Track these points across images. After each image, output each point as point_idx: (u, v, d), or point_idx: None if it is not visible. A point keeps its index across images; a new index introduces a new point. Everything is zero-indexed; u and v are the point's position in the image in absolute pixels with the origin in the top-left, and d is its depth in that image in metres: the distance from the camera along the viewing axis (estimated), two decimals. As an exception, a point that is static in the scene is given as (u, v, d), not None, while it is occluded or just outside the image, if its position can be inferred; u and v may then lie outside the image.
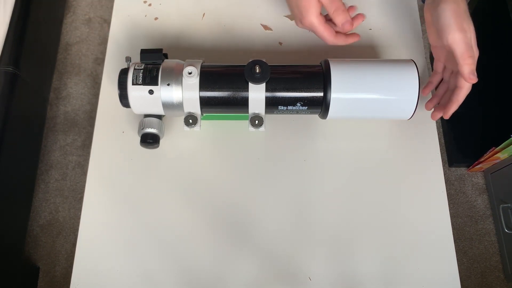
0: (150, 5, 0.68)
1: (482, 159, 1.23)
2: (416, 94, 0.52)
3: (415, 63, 0.53)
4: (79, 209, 1.27)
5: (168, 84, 0.52)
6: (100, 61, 1.48)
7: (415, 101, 0.52)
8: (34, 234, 1.27)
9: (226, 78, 0.53)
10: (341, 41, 0.57)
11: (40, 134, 1.34)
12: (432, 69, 0.59)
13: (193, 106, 0.53)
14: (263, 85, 0.52)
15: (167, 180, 0.58)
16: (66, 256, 1.25)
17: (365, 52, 0.64)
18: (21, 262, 1.16)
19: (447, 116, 0.55)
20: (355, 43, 0.66)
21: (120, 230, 0.55)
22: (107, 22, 1.53)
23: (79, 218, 0.56)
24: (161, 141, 0.57)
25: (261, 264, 0.54)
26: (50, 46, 1.43)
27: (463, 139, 1.32)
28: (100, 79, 1.11)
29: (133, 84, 0.52)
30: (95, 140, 0.60)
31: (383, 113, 0.54)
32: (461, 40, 0.49)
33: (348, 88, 0.51)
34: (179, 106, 0.53)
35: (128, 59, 0.54)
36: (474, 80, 0.50)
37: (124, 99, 0.53)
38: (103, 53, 1.48)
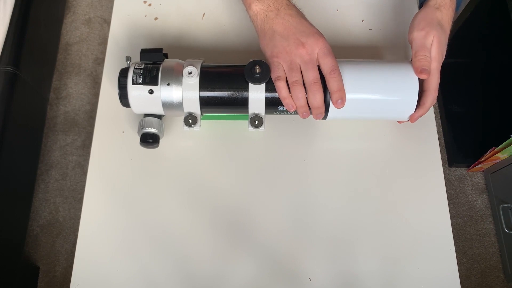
0: (150, 5, 0.68)
1: (482, 159, 1.22)
2: (416, 95, 0.52)
3: None
4: (79, 209, 1.27)
5: (168, 84, 0.52)
6: (100, 61, 1.47)
7: (415, 102, 0.52)
8: (34, 234, 1.27)
9: (226, 78, 0.53)
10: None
11: (40, 134, 1.34)
12: None
13: (193, 106, 0.53)
14: (263, 85, 0.52)
15: (167, 179, 0.58)
16: (66, 256, 1.25)
17: (365, 52, 0.64)
18: (21, 262, 1.16)
19: (412, 120, 0.56)
20: (355, 43, 0.66)
21: (120, 230, 0.55)
22: (107, 22, 1.53)
23: (79, 218, 0.56)
24: (161, 141, 0.57)
25: (261, 264, 0.54)
26: (50, 46, 1.43)
27: (463, 139, 1.32)
28: (100, 79, 1.11)
29: (133, 83, 0.52)
30: (95, 140, 0.60)
31: (383, 113, 0.54)
32: (417, 38, 0.52)
33: (348, 89, 0.51)
34: (179, 106, 0.53)
35: (128, 58, 0.54)
36: (425, 75, 0.51)
37: (124, 98, 0.53)
38: (103, 53, 1.48)
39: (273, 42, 0.51)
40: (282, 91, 0.51)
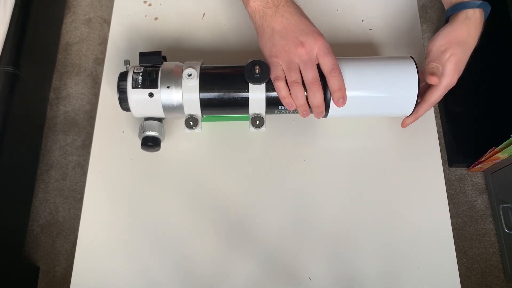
0: (150, 5, 0.68)
1: (482, 159, 1.22)
2: (416, 91, 0.52)
3: (414, 59, 0.53)
4: (79, 209, 1.27)
5: (168, 87, 0.52)
6: (100, 61, 1.47)
7: (414, 98, 0.52)
8: (34, 234, 1.27)
9: (226, 79, 0.53)
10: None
11: (40, 134, 1.34)
12: None
13: (194, 108, 0.53)
14: (263, 85, 0.52)
15: (168, 180, 0.58)
16: (66, 256, 1.25)
17: (365, 52, 0.64)
18: (21, 262, 1.16)
19: (404, 125, 0.58)
20: (355, 43, 0.66)
21: (120, 230, 0.55)
22: (107, 22, 1.53)
23: (79, 218, 0.56)
24: (162, 143, 0.57)
25: (261, 264, 0.54)
26: (50, 46, 1.43)
27: (463, 139, 1.32)
28: (100, 79, 1.11)
29: (132, 87, 0.52)
30: (95, 140, 0.60)
31: (383, 110, 0.54)
32: (435, 53, 0.52)
33: (348, 86, 0.51)
34: (179, 108, 0.53)
35: (127, 62, 0.54)
36: (435, 79, 0.51)
37: (124, 102, 0.53)
38: (103, 53, 1.48)
39: (271, 41, 0.51)
40: (281, 91, 0.51)
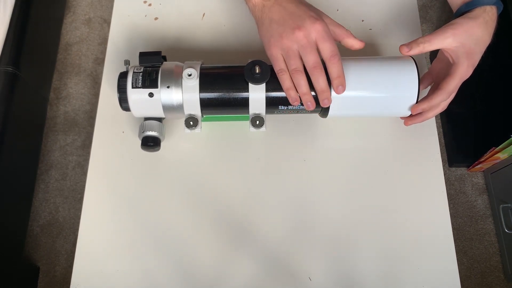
0: (150, 5, 0.68)
1: (482, 159, 1.23)
2: (416, 91, 0.52)
3: (414, 59, 0.53)
4: (79, 209, 1.27)
5: (168, 87, 0.52)
6: (100, 61, 1.47)
7: (414, 98, 0.52)
8: (34, 234, 1.27)
9: (226, 79, 0.53)
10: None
11: (40, 134, 1.34)
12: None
13: (194, 108, 0.53)
14: (263, 85, 0.52)
15: (168, 180, 0.58)
16: (66, 256, 1.25)
17: (365, 52, 0.64)
18: (21, 262, 1.16)
19: (414, 110, 0.54)
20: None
21: (120, 230, 0.55)
22: (107, 22, 1.53)
23: (79, 218, 0.56)
24: (162, 143, 0.57)
25: (261, 264, 0.54)
26: (50, 46, 1.43)
27: (463, 139, 1.32)
28: (100, 79, 1.11)
29: (132, 87, 0.52)
30: (95, 140, 0.60)
31: (383, 110, 0.54)
32: (450, 48, 0.51)
33: (348, 86, 0.51)
34: (179, 108, 0.53)
35: (127, 62, 0.54)
36: (404, 50, 0.51)
37: (124, 102, 0.53)
38: (103, 53, 1.48)
39: (270, 31, 0.50)
40: (285, 82, 0.50)
